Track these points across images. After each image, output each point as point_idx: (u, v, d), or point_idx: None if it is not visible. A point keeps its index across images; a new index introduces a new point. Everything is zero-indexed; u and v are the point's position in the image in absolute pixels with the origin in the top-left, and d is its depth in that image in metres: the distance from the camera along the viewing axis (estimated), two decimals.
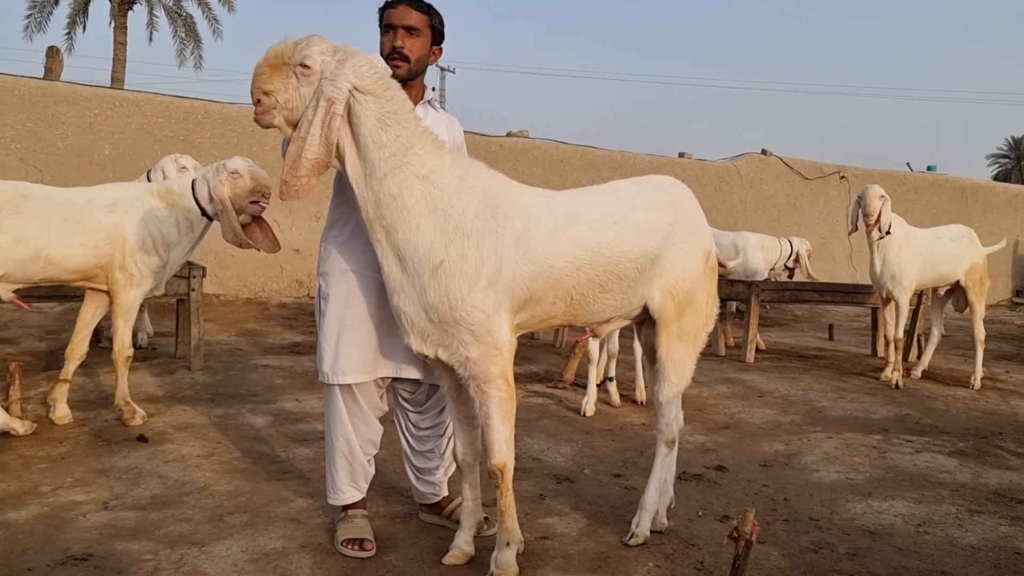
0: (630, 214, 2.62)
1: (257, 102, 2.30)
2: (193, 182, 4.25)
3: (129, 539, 2.76)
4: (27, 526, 2.84)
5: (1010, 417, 5.33)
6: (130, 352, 4.23)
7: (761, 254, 8.05)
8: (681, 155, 12.73)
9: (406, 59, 2.64)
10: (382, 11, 2.71)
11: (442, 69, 36.60)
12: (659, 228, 2.67)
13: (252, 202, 4.08)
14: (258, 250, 4.14)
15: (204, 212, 4.19)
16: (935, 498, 3.57)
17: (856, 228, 6.32)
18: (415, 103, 2.76)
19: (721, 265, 3.09)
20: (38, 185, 4.06)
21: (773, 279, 8.57)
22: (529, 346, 7.47)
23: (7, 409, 3.91)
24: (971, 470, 4.02)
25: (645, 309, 2.75)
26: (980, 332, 6.46)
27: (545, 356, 6.97)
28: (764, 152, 13.20)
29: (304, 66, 2.27)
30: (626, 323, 2.92)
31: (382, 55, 2.65)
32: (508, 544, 2.54)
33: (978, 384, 6.27)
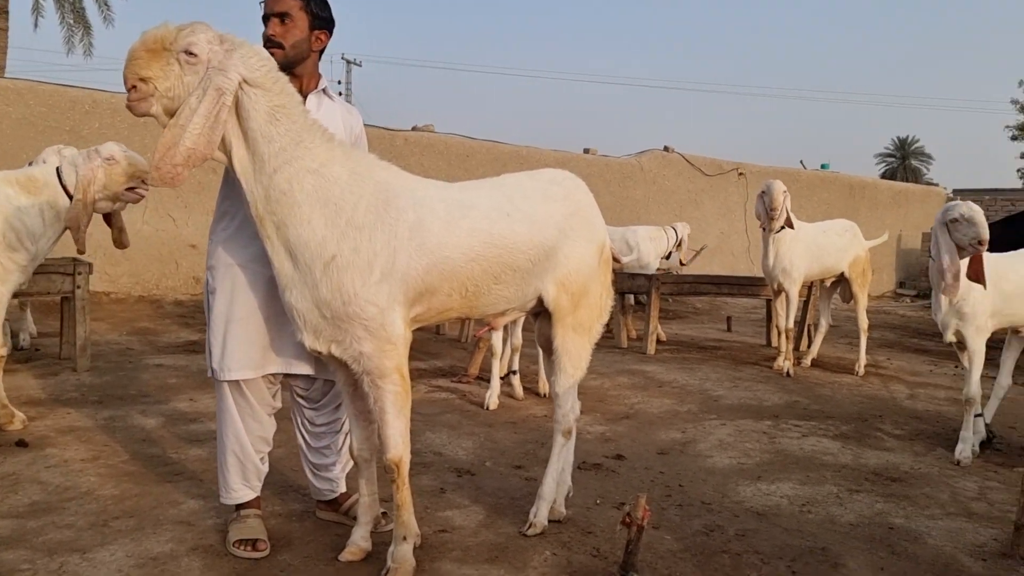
0: (523, 206, 2.64)
1: (132, 88, 2.21)
2: (58, 169, 4.02)
3: (4, 549, 2.61)
4: None
5: (890, 401, 5.63)
6: (4, 352, 4.01)
7: (651, 245, 8.28)
8: (586, 151, 12.91)
9: (279, 46, 2.60)
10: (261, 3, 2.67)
11: (348, 62, 35.96)
12: (553, 221, 2.70)
13: (129, 188, 3.90)
14: (81, 249, 3.99)
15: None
16: (819, 479, 3.74)
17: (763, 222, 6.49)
18: (308, 92, 2.72)
19: (615, 260, 3.15)
20: None
21: (675, 272, 8.83)
22: (434, 341, 7.45)
23: None
24: (852, 452, 4.23)
25: (541, 301, 2.78)
26: (864, 321, 6.80)
27: (450, 351, 6.96)
28: (666, 149, 13.53)
29: (190, 53, 2.20)
30: (522, 315, 2.95)
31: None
32: (405, 538, 2.53)
33: (862, 371, 6.61)
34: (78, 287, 5.39)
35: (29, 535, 2.73)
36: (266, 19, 2.63)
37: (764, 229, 6.46)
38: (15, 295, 4.22)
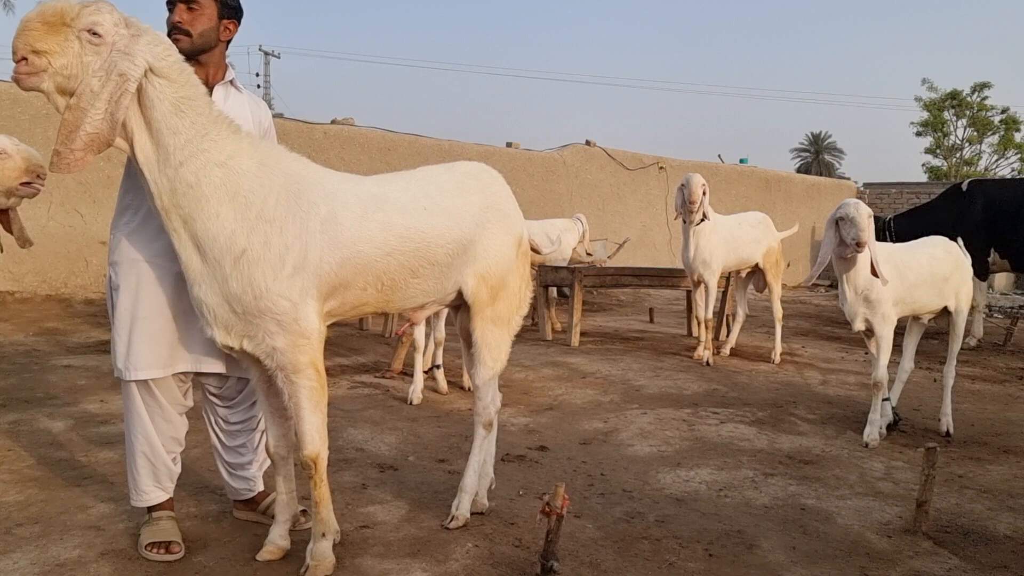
0: (440, 199, 2.63)
1: (22, 59, 2.08)
2: None
3: None
4: None
5: (803, 387, 5.82)
6: None
7: (569, 237, 8.41)
8: (509, 145, 12.94)
9: (186, 33, 2.53)
10: None
11: (266, 54, 35.21)
12: (470, 214, 2.70)
13: (24, 183, 3.71)
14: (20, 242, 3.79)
15: None
16: (735, 464, 3.85)
17: (681, 214, 6.62)
18: (214, 83, 2.65)
19: (535, 251, 3.17)
20: None
21: (599, 264, 8.94)
22: (357, 337, 7.37)
23: None
24: (768, 437, 4.36)
25: (460, 294, 2.78)
26: (778, 310, 7.01)
27: (374, 346, 6.89)
28: (588, 143, 13.67)
29: (94, 33, 2.11)
30: (441, 308, 2.94)
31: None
32: (324, 535, 2.50)
33: (778, 359, 6.81)
34: None
35: None
36: (171, 5, 2.55)
37: (684, 222, 6.58)
38: None
